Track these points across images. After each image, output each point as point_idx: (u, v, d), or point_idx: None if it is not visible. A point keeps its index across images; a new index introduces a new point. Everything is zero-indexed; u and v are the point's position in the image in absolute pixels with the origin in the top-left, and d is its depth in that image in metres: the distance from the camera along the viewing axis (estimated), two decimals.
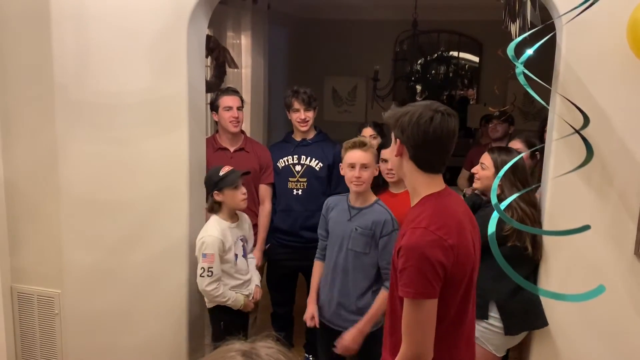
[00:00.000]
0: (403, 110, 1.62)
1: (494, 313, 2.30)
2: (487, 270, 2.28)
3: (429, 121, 1.56)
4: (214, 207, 2.60)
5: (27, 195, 2.81)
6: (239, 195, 2.56)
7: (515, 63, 1.67)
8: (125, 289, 2.75)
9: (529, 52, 1.72)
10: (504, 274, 2.17)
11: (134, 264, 2.72)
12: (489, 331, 2.32)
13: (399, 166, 1.69)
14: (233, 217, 2.64)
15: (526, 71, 1.68)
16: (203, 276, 2.49)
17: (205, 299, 2.62)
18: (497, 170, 2.39)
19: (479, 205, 2.47)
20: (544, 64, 2.19)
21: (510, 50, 1.67)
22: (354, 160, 2.32)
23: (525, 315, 2.30)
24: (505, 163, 2.33)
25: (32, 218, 2.83)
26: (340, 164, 2.44)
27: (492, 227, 1.48)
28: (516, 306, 2.29)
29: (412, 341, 1.56)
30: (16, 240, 2.85)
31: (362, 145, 2.37)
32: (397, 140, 1.64)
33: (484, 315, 2.29)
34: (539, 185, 2.39)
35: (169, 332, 2.76)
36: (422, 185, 1.64)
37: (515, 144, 2.85)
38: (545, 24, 1.99)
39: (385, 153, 2.56)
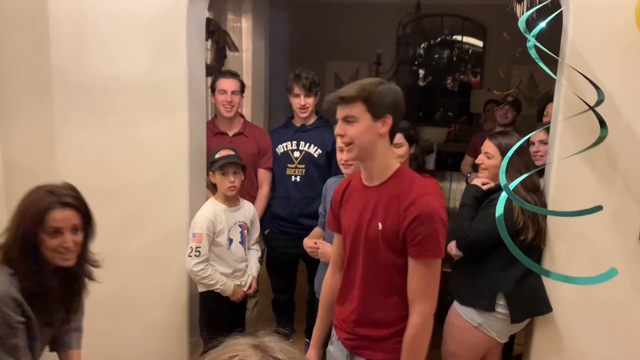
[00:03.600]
0: (379, 85, 1.69)
1: (501, 301, 2.28)
2: (493, 262, 2.28)
3: (401, 93, 1.73)
4: (209, 186, 2.63)
5: (27, 179, 2.76)
6: (226, 183, 2.52)
7: (527, 36, 1.64)
8: (125, 274, 2.74)
9: (542, 24, 1.69)
10: (509, 264, 2.17)
11: (134, 249, 2.71)
12: (493, 318, 2.30)
13: (374, 145, 1.70)
14: (230, 200, 2.62)
15: (538, 44, 1.65)
16: (191, 256, 2.48)
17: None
18: (504, 155, 2.35)
19: (481, 199, 2.43)
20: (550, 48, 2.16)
21: (521, 23, 1.64)
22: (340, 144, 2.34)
23: (531, 302, 2.29)
24: (510, 147, 2.31)
25: None
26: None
27: (499, 209, 1.46)
28: (522, 294, 2.27)
29: (432, 298, 1.72)
30: None
31: None
32: (386, 115, 1.69)
33: (490, 307, 2.28)
34: (543, 167, 2.35)
35: (170, 316, 2.76)
36: (393, 158, 1.78)
37: (540, 135, 2.78)
38: (553, 0, 1.94)
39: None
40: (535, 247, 2.27)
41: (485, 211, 2.31)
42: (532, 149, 2.79)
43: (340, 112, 1.69)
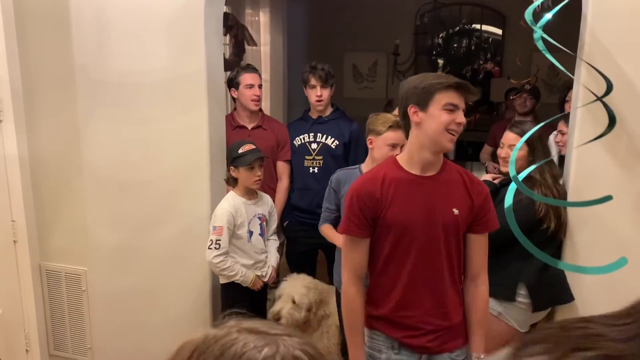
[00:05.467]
0: None
1: (522, 291, 2.28)
2: (513, 252, 2.27)
3: None
4: (229, 180, 2.64)
5: (52, 175, 2.86)
6: (253, 177, 2.57)
7: (534, 28, 1.62)
8: (149, 266, 2.80)
9: (548, 16, 1.68)
10: (530, 254, 2.16)
11: (157, 242, 2.76)
12: (514, 308, 2.30)
13: None
14: (250, 194, 2.66)
15: (545, 35, 1.63)
16: (211, 248, 2.53)
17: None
18: (531, 143, 2.30)
19: (495, 194, 2.43)
20: (572, 35, 2.13)
21: (528, 14, 1.63)
22: (397, 141, 2.32)
23: (552, 291, 2.28)
24: (535, 134, 2.29)
25: (57, 197, 2.89)
26: (370, 137, 2.41)
27: (508, 200, 1.47)
28: (544, 283, 2.26)
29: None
30: (43, 219, 2.91)
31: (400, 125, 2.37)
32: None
33: (511, 298, 2.28)
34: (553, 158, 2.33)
35: (193, 308, 2.80)
36: None
37: (559, 125, 2.76)
38: None
39: None
40: (556, 237, 2.25)
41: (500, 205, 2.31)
42: (556, 138, 2.78)
43: (463, 102, 1.71)
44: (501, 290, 2.30)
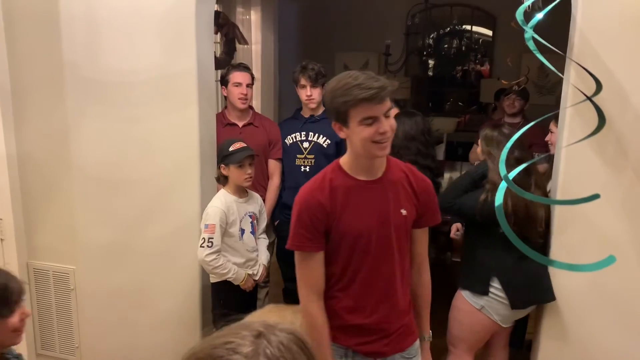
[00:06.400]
0: None
1: (496, 284, 2.31)
2: (487, 247, 2.31)
3: None
4: (220, 179, 2.64)
5: (41, 173, 2.84)
6: (243, 175, 2.57)
7: (525, 27, 1.63)
8: (138, 265, 2.79)
9: (539, 16, 1.69)
10: (502, 250, 2.19)
11: (146, 240, 2.75)
12: (494, 302, 2.32)
13: None
14: (241, 192, 2.66)
15: (535, 35, 1.65)
16: (203, 246, 2.51)
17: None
18: (484, 139, 2.41)
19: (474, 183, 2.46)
20: (562, 36, 2.14)
21: (519, 14, 1.64)
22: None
23: (531, 289, 2.29)
24: (487, 137, 2.38)
25: (46, 196, 2.86)
26: None
27: (499, 199, 1.48)
28: (520, 280, 2.28)
29: None
30: (31, 217, 2.89)
31: None
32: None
33: (484, 291, 2.32)
34: (534, 162, 2.32)
35: (182, 307, 2.79)
36: None
37: (551, 126, 2.79)
38: None
39: None
40: (528, 239, 2.26)
41: (477, 191, 2.36)
42: (546, 137, 2.82)
43: (384, 107, 1.57)
44: (476, 284, 2.34)
